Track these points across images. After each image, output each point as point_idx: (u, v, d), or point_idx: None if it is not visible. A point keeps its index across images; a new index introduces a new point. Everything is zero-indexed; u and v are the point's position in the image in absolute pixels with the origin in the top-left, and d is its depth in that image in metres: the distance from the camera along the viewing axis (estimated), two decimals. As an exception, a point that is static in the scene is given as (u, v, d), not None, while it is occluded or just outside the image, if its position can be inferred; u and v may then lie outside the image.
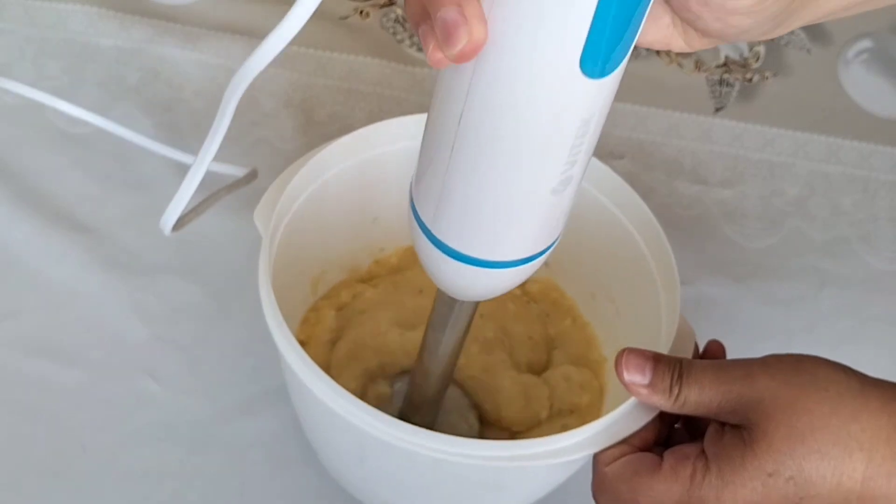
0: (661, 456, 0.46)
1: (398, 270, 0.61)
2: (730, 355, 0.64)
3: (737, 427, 0.44)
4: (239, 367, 0.62)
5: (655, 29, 0.40)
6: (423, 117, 0.48)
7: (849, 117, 0.73)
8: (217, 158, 0.65)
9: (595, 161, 0.55)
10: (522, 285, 0.46)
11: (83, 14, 0.72)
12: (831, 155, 0.71)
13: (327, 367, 0.58)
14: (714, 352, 0.53)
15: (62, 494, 0.58)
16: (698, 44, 0.41)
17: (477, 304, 0.47)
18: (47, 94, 0.63)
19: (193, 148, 0.69)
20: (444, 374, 0.52)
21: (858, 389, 0.44)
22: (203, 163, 0.48)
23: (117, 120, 0.69)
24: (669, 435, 0.50)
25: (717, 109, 0.73)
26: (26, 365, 0.61)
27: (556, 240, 0.42)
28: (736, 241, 0.68)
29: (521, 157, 0.37)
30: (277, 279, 0.52)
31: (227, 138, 0.69)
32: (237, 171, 0.61)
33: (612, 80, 0.36)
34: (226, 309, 0.63)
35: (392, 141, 0.56)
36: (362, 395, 0.56)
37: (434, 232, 0.41)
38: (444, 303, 0.47)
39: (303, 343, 0.58)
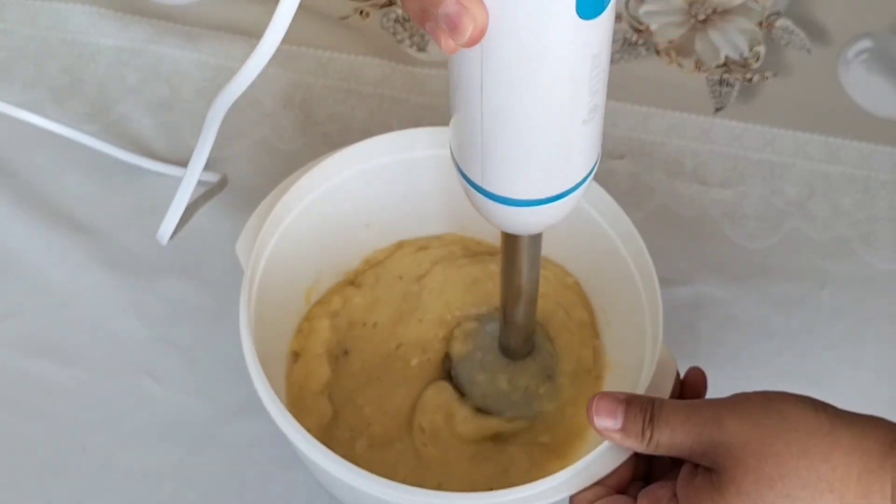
0: (635, 497, 0.47)
1: (380, 263, 0.62)
2: (730, 355, 0.64)
3: (708, 469, 0.45)
4: (239, 367, 0.61)
5: None
6: (396, 134, 0.54)
7: (849, 117, 0.73)
8: (215, 155, 0.65)
9: (597, 188, 0.56)
10: None
11: (83, 14, 0.72)
12: (831, 155, 0.71)
13: (331, 385, 0.58)
14: (694, 380, 0.53)
15: (62, 494, 0.58)
16: None
17: (538, 237, 0.50)
18: (70, 128, 0.65)
19: (194, 147, 0.69)
20: (531, 301, 0.54)
21: (829, 427, 0.43)
22: (193, 176, 0.50)
23: (117, 119, 0.69)
24: (651, 467, 0.50)
25: (717, 109, 0.73)
26: (26, 365, 0.61)
27: (593, 169, 0.45)
28: (736, 241, 0.68)
29: (548, 105, 0.40)
30: (270, 296, 0.53)
31: (226, 136, 0.69)
32: (210, 177, 0.62)
33: (608, 15, 0.39)
34: (226, 309, 0.63)
35: (375, 156, 0.57)
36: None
37: (486, 188, 0.44)
38: (509, 241, 0.50)
39: (297, 354, 0.58)
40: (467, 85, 0.41)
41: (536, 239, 0.50)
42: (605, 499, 0.47)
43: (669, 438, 0.45)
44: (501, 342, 0.58)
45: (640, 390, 0.51)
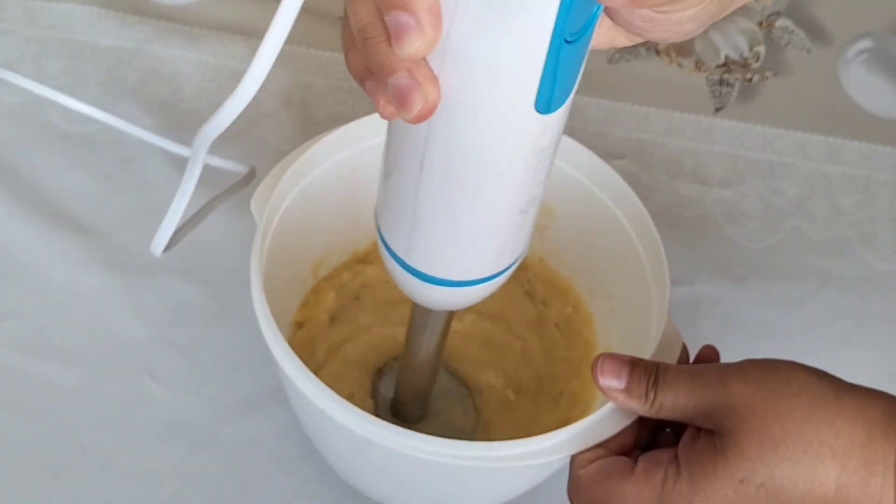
0: (636, 460, 0.47)
1: None
2: (730, 355, 0.64)
3: (710, 433, 0.45)
4: (239, 367, 0.62)
5: (599, 34, 0.40)
6: None
7: (849, 117, 0.73)
8: (218, 156, 0.65)
9: (598, 161, 0.56)
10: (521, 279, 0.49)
11: (83, 14, 0.72)
12: (831, 155, 0.71)
13: (325, 352, 0.58)
14: (707, 358, 0.52)
15: (62, 494, 0.58)
16: (641, 38, 0.42)
17: (452, 314, 0.49)
18: (50, 88, 0.63)
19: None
20: (429, 372, 0.53)
21: (833, 395, 0.43)
22: (183, 200, 0.50)
23: (117, 119, 0.69)
24: (654, 438, 0.50)
25: (717, 109, 0.73)
26: (26, 365, 0.61)
27: (526, 249, 0.44)
28: (736, 241, 0.68)
29: (490, 191, 0.39)
30: (276, 266, 0.52)
31: (227, 137, 0.69)
32: (238, 168, 0.61)
33: (564, 109, 0.38)
34: (226, 309, 0.63)
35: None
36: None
37: (409, 262, 0.42)
38: (420, 312, 0.49)
39: (300, 325, 0.58)
40: (406, 156, 0.39)
41: (451, 315, 0.49)
42: (604, 459, 0.47)
43: (673, 400, 0.45)
44: (393, 404, 0.57)
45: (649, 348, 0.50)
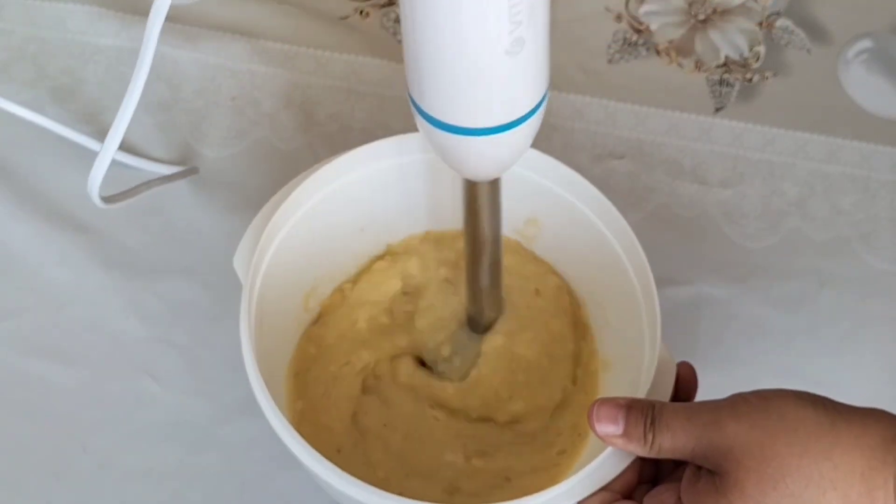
0: (640, 502, 0.47)
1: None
2: (730, 355, 0.64)
3: (711, 472, 0.45)
4: (239, 367, 0.61)
5: None
6: (384, 142, 0.56)
7: (849, 117, 0.73)
8: (215, 155, 0.66)
9: (591, 188, 0.56)
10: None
11: (83, 14, 0.72)
12: (831, 155, 0.71)
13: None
14: (684, 376, 0.53)
15: (62, 494, 0.58)
16: None
17: (495, 186, 0.51)
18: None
19: (194, 147, 0.69)
20: (495, 254, 0.55)
21: (829, 426, 0.43)
22: (119, 130, 0.55)
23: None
24: (658, 468, 0.50)
25: (717, 109, 0.73)
26: (26, 365, 0.61)
27: (536, 109, 0.46)
28: (736, 241, 0.68)
29: (467, 31, 0.42)
30: (268, 306, 0.53)
31: (226, 137, 0.69)
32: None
33: None
34: (226, 309, 0.63)
35: (366, 162, 0.57)
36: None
37: (428, 111, 0.46)
38: (468, 192, 0.51)
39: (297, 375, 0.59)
40: (406, 13, 0.43)
41: (495, 188, 0.51)
42: None
43: (671, 442, 0.45)
44: (469, 313, 0.58)
45: (642, 391, 0.50)
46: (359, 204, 0.59)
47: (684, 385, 0.52)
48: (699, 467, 0.46)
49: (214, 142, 0.69)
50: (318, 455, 0.48)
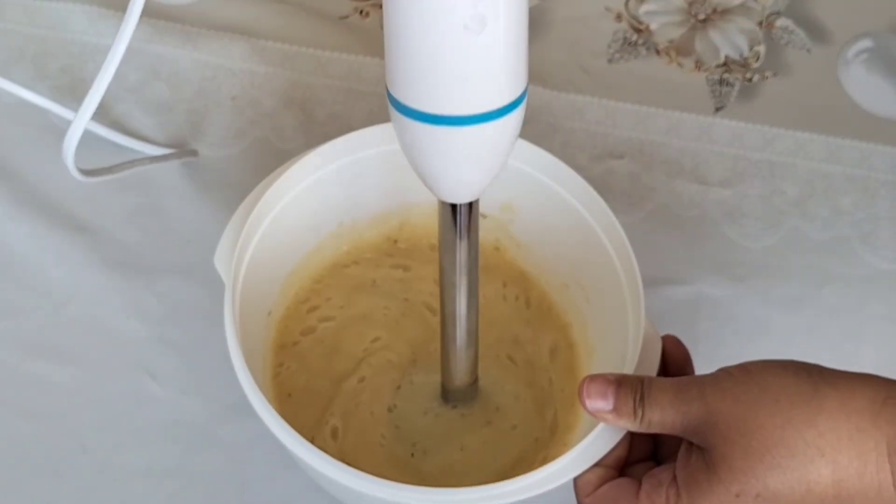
0: (639, 481, 0.47)
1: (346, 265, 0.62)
2: (730, 355, 0.64)
3: (700, 449, 0.45)
4: (239, 366, 0.62)
5: None
6: (360, 132, 0.56)
7: (849, 117, 0.73)
8: (215, 155, 0.66)
9: (552, 158, 0.57)
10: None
11: (83, 14, 0.72)
12: (831, 155, 0.71)
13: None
14: (671, 349, 0.53)
15: (62, 494, 0.58)
16: None
17: (475, 219, 0.49)
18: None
19: (194, 146, 0.69)
20: (472, 305, 0.52)
21: (811, 393, 0.43)
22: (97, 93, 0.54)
23: (117, 119, 0.69)
24: (658, 445, 0.50)
25: (717, 109, 0.73)
26: (26, 365, 0.61)
27: (508, 108, 0.43)
28: (736, 241, 0.68)
29: (422, 5, 0.40)
30: (250, 303, 0.53)
31: (226, 137, 0.69)
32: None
33: None
34: (226, 309, 0.63)
35: (348, 153, 0.58)
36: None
37: (396, 95, 0.43)
38: (446, 223, 0.48)
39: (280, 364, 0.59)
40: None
41: (474, 216, 0.49)
42: (609, 484, 0.48)
43: (660, 417, 0.46)
44: (444, 383, 0.57)
45: (629, 368, 0.51)
46: (335, 198, 0.59)
47: (673, 359, 0.53)
48: (691, 443, 0.46)
49: (214, 141, 0.69)
50: (305, 442, 0.49)
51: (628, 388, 0.47)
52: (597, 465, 0.48)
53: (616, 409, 0.47)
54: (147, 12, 0.73)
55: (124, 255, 0.65)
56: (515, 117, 0.44)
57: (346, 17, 0.75)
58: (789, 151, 0.71)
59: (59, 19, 0.72)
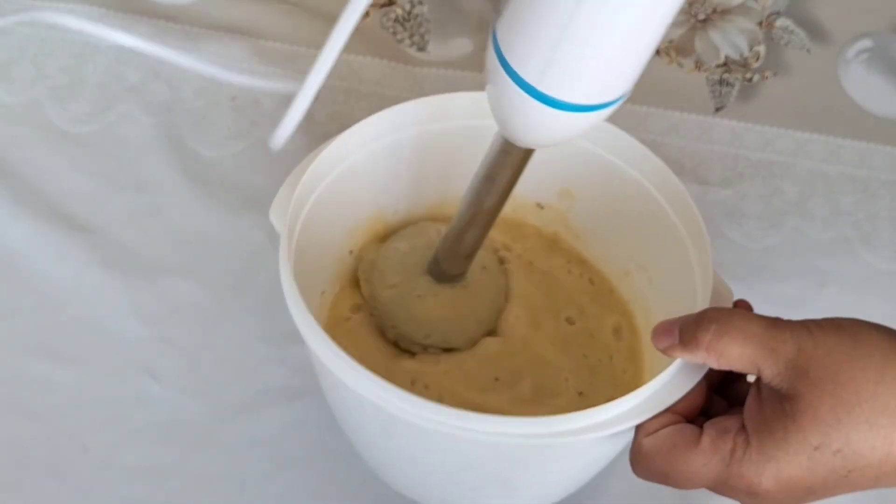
0: (701, 427, 0.45)
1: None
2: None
3: (777, 396, 0.43)
4: (239, 367, 0.62)
5: None
6: (429, 101, 0.55)
7: (849, 117, 0.73)
8: (215, 155, 0.65)
9: (615, 129, 0.56)
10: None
11: (83, 14, 0.72)
12: (831, 155, 0.71)
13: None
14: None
15: (62, 494, 0.58)
16: None
17: (529, 155, 0.49)
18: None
19: (194, 147, 0.69)
20: (486, 226, 0.53)
21: None
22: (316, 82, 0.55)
23: (117, 119, 0.69)
24: (710, 404, 0.48)
25: (717, 109, 0.73)
26: (26, 365, 0.61)
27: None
28: (736, 241, 0.68)
29: (656, 11, 0.41)
30: (304, 263, 0.52)
31: (226, 136, 0.69)
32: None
33: None
34: (226, 309, 0.63)
35: (405, 127, 0.56)
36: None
37: (541, 89, 0.43)
38: (499, 155, 0.49)
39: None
40: None
41: (528, 156, 0.49)
42: (669, 428, 0.46)
43: (740, 351, 0.44)
44: (443, 265, 0.56)
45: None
46: (396, 170, 0.58)
47: None
48: (760, 390, 0.44)
49: (214, 141, 0.69)
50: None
51: (695, 320, 0.45)
52: (664, 411, 0.46)
53: (682, 342, 0.45)
54: (147, 12, 0.73)
55: (124, 255, 0.65)
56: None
57: (346, 17, 0.75)
58: (789, 151, 0.71)
59: (59, 19, 0.72)
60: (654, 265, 0.57)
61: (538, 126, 0.45)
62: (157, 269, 0.64)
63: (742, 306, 0.51)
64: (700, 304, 0.50)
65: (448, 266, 0.56)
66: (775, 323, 0.44)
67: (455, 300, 0.57)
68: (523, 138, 0.47)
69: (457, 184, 0.57)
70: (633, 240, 0.57)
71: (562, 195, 0.60)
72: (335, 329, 0.58)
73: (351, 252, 0.59)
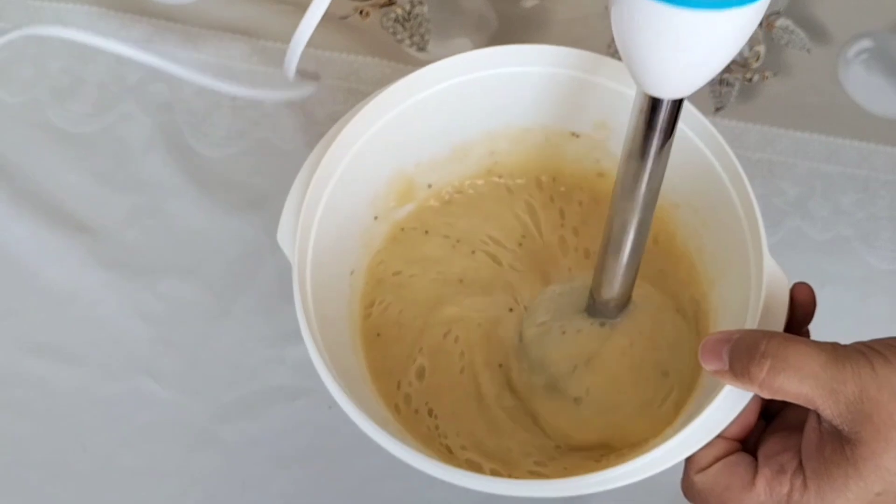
0: (755, 458, 0.44)
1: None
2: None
3: (838, 437, 0.41)
4: (239, 367, 0.62)
5: None
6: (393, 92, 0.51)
7: (849, 117, 0.73)
8: (215, 155, 0.65)
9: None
10: None
11: (83, 14, 0.72)
12: (831, 155, 0.71)
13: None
14: (803, 300, 0.48)
15: (62, 494, 0.58)
16: None
17: (676, 117, 0.42)
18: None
19: (194, 147, 0.69)
20: (644, 224, 0.46)
21: None
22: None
23: (117, 119, 0.69)
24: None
25: (717, 109, 0.73)
26: (26, 365, 0.61)
27: None
28: (736, 241, 0.68)
29: None
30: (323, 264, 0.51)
31: (226, 136, 0.69)
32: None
33: None
34: (226, 309, 0.63)
35: (400, 100, 0.55)
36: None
37: None
38: (647, 113, 0.42)
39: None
40: None
41: (678, 111, 0.42)
42: (723, 463, 0.44)
43: (797, 386, 0.41)
44: (594, 293, 0.51)
45: (752, 312, 0.47)
46: (408, 141, 0.56)
47: (801, 312, 0.49)
48: (820, 424, 0.42)
49: (214, 142, 0.69)
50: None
51: (747, 345, 0.43)
52: (718, 437, 0.44)
53: (732, 370, 0.43)
54: (147, 12, 0.73)
55: (124, 255, 0.65)
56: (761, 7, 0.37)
57: (346, 17, 0.75)
58: (789, 151, 0.71)
59: (59, 19, 0.72)
60: (705, 209, 0.54)
61: (691, 50, 0.37)
62: (157, 269, 0.64)
63: (802, 292, 0.48)
64: (753, 292, 0.47)
65: (604, 295, 0.51)
66: (835, 358, 0.42)
67: (604, 333, 0.52)
68: (672, 80, 0.40)
69: (472, 125, 0.57)
70: (680, 178, 0.54)
71: (597, 126, 0.56)
72: (379, 289, 0.56)
73: (376, 218, 0.57)
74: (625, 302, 0.51)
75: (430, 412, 0.55)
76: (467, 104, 0.56)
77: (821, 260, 0.68)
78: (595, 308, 0.52)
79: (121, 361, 0.62)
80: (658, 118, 0.42)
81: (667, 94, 0.41)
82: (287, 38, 0.74)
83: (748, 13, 0.37)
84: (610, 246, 0.48)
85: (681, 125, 0.52)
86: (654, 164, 0.44)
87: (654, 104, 0.42)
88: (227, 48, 0.72)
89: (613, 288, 0.50)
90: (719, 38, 0.38)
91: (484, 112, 0.57)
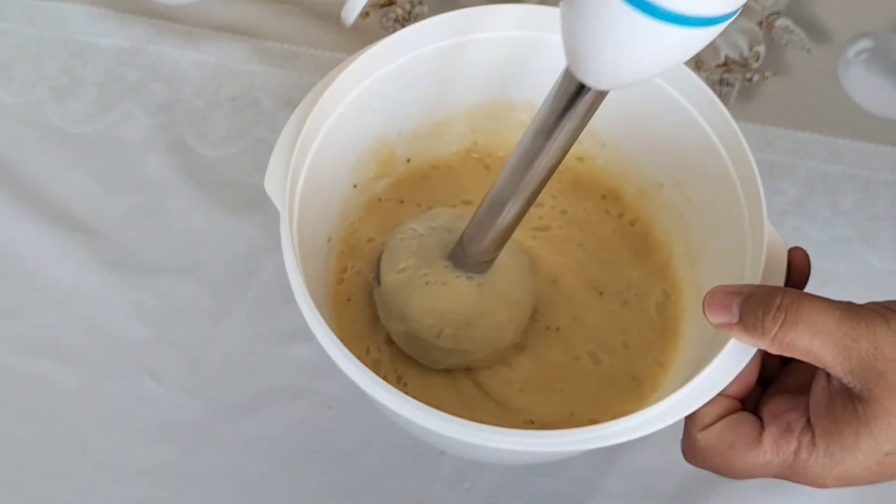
0: (759, 418, 0.43)
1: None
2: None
3: (849, 395, 0.41)
4: (239, 367, 0.62)
5: None
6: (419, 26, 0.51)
7: (849, 117, 0.73)
8: (215, 155, 0.65)
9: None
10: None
11: (83, 14, 0.72)
12: (831, 155, 0.71)
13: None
14: (798, 265, 0.48)
15: (62, 494, 0.58)
16: None
17: (595, 108, 0.42)
18: None
19: (194, 147, 0.69)
20: (531, 196, 0.46)
21: None
22: None
23: (117, 119, 0.69)
24: (762, 368, 0.46)
25: (717, 109, 0.73)
26: (26, 365, 0.61)
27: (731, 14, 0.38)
28: (736, 241, 0.68)
29: None
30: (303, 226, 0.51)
31: (227, 136, 0.69)
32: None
33: None
34: (226, 309, 0.63)
35: (398, 56, 0.55)
36: None
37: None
38: (568, 97, 0.42)
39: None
40: None
41: (599, 102, 0.42)
42: (729, 419, 0.43)
43: (808, 343, 0.41)
44: (466, 246, 0.51)
45: (750, 275, 0.46)
46: (391, 105, 0.56)
47: (797, 276, 0.48)
48: (829, 382, 0.41)
49: (214, 142, 0.69)
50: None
51: (760, 299, 0.42)
52: (719, 395, 0.43)
53: (743, 322, 0.42)
54: (147, 12, 0.73)
55: (124, 255, 0.65)
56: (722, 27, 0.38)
57: (346, 17, 0.75)
58: (789, 151, 0.71)
59: (59, 19, 0.72)
60: (692, 184, 0.53)
61: (634, 52, 0.37)
62: (157, 269, 0.64)
63: (798, 257, 0.48)
64: (751, 260, 0.46)
65: (475, 249, 0.50)
66: (849, 313, 0.41)
67: (471, 293, 0.52)
68: (605, 73, 0.39)
69: (455, 98, 0.56)
70: (667, 153, 0.53)
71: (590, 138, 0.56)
72: (350, 255, 0.57)
73: (355, 186, 0.58)
74: (494, 259, 0.51)
75: (399, 379, 0.55)
76: (448, 73, 0.56)
77: (821, 260, 0.68)
78: (462, 260, 0.52)
79: (121, 361, 0.62)
80: (578, 103, 0.42)
81: (597, 84, 0.41)
82: (287, 38, 0.74)
83: (704, 34, 0.37)
84: (492, 208, 0.48)
85: (671, 89, 0.51)
86: (559, 145, 0.44)
87: (580, 89, 0.41)
88: (227, 48, 0.72)
89: (486, 245, 0.50)
90: (667, 49, 0.38)
91: (465, 83, 0.57)
